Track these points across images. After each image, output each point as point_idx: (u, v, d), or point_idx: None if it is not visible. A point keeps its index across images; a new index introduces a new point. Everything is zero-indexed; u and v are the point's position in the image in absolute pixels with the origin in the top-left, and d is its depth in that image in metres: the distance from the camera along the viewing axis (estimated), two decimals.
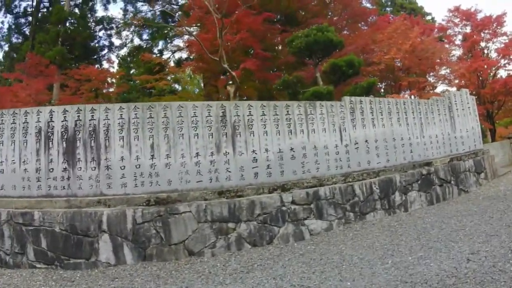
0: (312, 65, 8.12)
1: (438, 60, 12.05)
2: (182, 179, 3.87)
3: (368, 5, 13.66)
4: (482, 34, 12.98)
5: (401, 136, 5.62)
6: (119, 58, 15.75)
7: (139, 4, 14.49)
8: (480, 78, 13.01)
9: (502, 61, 13.00)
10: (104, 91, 11.26)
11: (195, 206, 3.70)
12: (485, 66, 12.30)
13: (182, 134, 3.97)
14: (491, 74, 13.36)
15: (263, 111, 4.51)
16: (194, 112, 4.13)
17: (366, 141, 5.18)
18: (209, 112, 4.24)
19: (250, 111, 4.46)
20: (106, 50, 15.00)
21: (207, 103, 4.41)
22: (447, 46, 13.11)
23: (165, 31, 13.65)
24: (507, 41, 12.61)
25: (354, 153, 5.03)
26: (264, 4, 10.28)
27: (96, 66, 13.73)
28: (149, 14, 14.72)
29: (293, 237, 4.11)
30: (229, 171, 4.11)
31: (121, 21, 14.68)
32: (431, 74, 13.11)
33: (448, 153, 6.39)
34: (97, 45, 14.65)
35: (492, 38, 13.00)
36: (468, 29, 13.42)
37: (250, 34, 9.61)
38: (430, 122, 6.18)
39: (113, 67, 15.29)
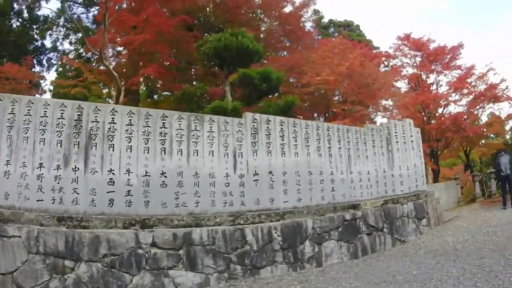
0: (224, 77, 9.03)
1: (381, 90, 14.33)
2: (21, 194, 3.99)
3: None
4: (433, 66, 15.84)
5: (321, 169, 6.25)
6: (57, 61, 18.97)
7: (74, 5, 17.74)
8: (427, 112, 15.70)
9: (454, 96, 16.01)
10: None
11: (25, 231, 3.82)
12: (433, 100, 14.90)
13: (27, 138, 4.13)
14: (440, 109, 16.21)
15: (130, 120, 4.63)
16: (45, 112, 4.24)
17: (271, 172, 5.60)
18: (62, 113, 4.30)
19: (113, 118, 4.56)
20: (40, 51, 18.23)
21: (62, 102, 4.47)
22: (392, 75, 15.88)
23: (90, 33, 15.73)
24: (461, 74, 15.49)
25: (251, 186, 5.35)
26: (186, 8, 11.61)
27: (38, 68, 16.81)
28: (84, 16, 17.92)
29: None
30: (77, 193, 4.18)
31: (55, 21, 17.56)
32: (371, 105, 15.20)
33: (383, 194, 7.25)
34: (32, 45, 17.51)
35: (443, 71, 15.93)
36: (418, 60, 16.39)
37: (160, 37, 10.63)
38: (361, 155, 7.03)
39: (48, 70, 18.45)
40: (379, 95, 14.18)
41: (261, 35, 14.03)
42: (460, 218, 9.59)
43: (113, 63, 13.06)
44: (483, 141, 18.38)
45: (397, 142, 7.86)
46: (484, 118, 18.62)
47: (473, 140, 16.40)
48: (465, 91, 15.25)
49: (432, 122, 15.50)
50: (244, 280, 4.86)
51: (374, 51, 19.74)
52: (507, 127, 21.33)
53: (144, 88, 16.54)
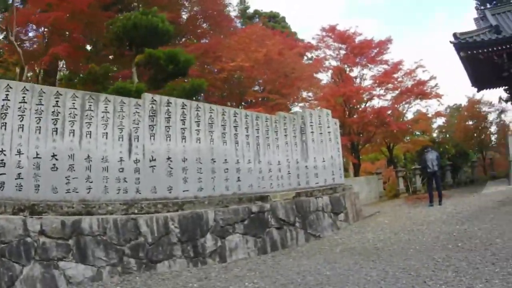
0: (132, 57, 10.85)
1: (301, 80, 17.59)
2: None
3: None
4: (358, 59, 19.99)
5: (225, 157, 7.90)
6: None
7: None
8: (348, 105, 19.60)
9: (378, 90, 20.20)
10: None
11: None
12: (356, 93, 18.58)
13: None
14: (363, 103, 20.47)
15: (23, 97, 5.66)
16: None
17: (169, 158, 7.02)
18: None
19: (7, 95, 5.55)
20: None
21: None
22: (314, 67, 19.68)
23: None
24: (388, 69, 19.67)
25: (148, 173, 6.65)
26: None
27: None
28: None
29: (42, 283, 4.97)
30: None
31: None
32: (289, 95, 18.46)
33: (295, 186, 9.29)
34: None
35: (368, 64, 20.23)
36: (342, 53, 20.55)
37: (75, 16, 12.99)
38: (271, 144, 8.97)
39: None
40: (298, 85, 17.10)
41: (183, 19, 16.57)
42: (382, 213, 12.12)
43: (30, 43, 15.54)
44: (408, 138, 23.06)
45: (312, 132, 10.12)
46: (411, 115, 23.84)
47: (397, 136, 20.69)
48: (390, 86, 19.29)
49: (355, 116, 19.24)
50: (139, 275, 5.85)
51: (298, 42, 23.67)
52: (435, 125, 27.62)
53: (65, 71, 18.29)
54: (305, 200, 9.23)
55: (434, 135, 27.35)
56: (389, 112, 19.48)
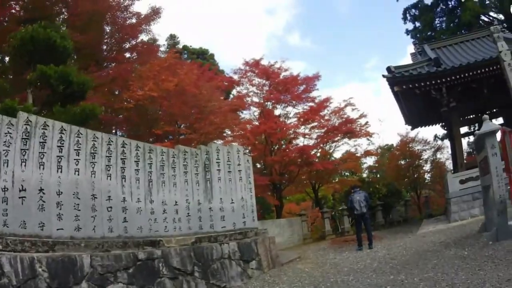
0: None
1: (216, 115, 18.71)
2: None
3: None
4: (283, 96, 21.86)
5: (109, 194, 8.17)
6: None
7: None
8: (270, 143, 21.21)
9: (303, 128, 22.16)
10: None
11: None
12: (278, 130, 20.24)
13: None
14: (288, 141, 22.16)
15: None
16: None
17: (42, 190, 7.18)
18: None
19: None
20: None
21: None
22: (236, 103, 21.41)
23: None
24: (314, 106, 21.50)
25: (17, 204, 6.69)
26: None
27: None
28: None
29: None
30: None
31: None
32: (202, 129, 19.24)
33: (196, 230, 9.77)
34: None
35: (292, 101, 22.14)
36: (266, 89, 22.39)
37: None
38: (167, 181, 9.44)
39: None
40: (211, 120, 18.16)
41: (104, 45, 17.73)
42: (303, 259, 12.73)
43: None
44: (336, 178, 25.23)
45: (218, 170, 10.83)
46: (340, 154, 25.95)
47: (323, 176, 22.74)
48: (316, 123, 21.05)
49: (276, 154, 20.71)
50: None
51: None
52: (366, 165, 30.14)
53: None
54: (207, 246, 9.70)
55: (365, 175, 29.90)
56: (313, 151, 21.17)
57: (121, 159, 8.78)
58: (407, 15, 38.40)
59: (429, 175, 28.16)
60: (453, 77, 17.02)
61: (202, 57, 35.88)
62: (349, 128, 21.80)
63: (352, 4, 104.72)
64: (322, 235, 20.11)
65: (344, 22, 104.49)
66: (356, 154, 24.72)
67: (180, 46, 36.74)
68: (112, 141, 8.72)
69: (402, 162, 26.71)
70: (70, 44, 11.73)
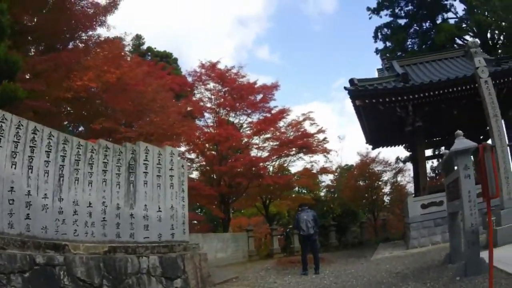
0: None
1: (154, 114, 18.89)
2: None
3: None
4: (237, 104, 22.81)
5: (13, 184, 7.79)
6: None
7: None
8: (221, 153, 22.40)
9: (255, 138, 23.44)
10: None
11: None
12: (229, 138, 21.01)
13: None
14: (240, 151, 22.63)
15: None
16: None
17: None
18: None
19: None
20: None
21: None
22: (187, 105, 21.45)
23: None
24: (269, 116, 22.24)
25: None
26: None
27: None
28: None
29: None
30: None
31: None
32: (141, 128, 19.72)
33: (112, 237, 9.38)
34: None
35: (247, 109, 23.24)
36: (221, 94, 23.30)
37: None
38: (81, 178, 9.06)
39: None
40: (151, 119, 18.30)
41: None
42: (241, 280, 12.55)
43: None
44: (292, 194, 26.14)
45: (145, 173, 10.55)
46: (295, 170, 26.66)
47: (275, 191, 24.04)
48: (269, 135, 21.74)
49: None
50: None
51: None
52: (324, 183, 31.15)
53: None
54: (122, 258, 9.21)
55: (322, 194, 31.49)
56: (265, 163, 21.97)
57: (30, 147, 8.36)
58: (379, 34, 40.58)
59: (388, 197, 29.79)
60: (421, 95, 17.50)
61: (166, 60, 37.86)
62: (305, 142, 22.62)
63: (325, 23, 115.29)
64: (270, 253, 21.12)
65: (315, 40, 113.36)
66: (312, 171, 25.76)
67: (145, 47, 39.64)
68: (22, 125, 8.25)
69: (361, 183, 28.04)
70: (6, 20, 11.81)
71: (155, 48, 41.21)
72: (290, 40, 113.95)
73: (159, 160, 11.22)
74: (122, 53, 19.45)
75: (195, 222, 26.82)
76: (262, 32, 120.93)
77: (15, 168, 8.16)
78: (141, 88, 18.35)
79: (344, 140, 71.10)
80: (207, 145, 23.44)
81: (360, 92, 17.40)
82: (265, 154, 23.52)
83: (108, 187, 9.84)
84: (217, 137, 20.64)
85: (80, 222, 9.18)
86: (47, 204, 8.56)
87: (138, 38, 40.74)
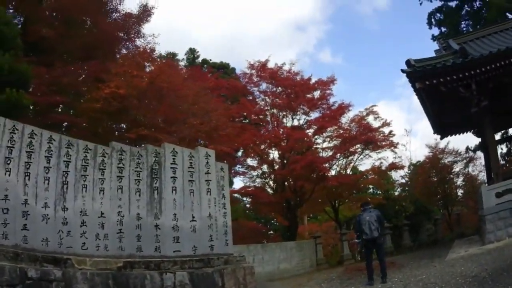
0: None
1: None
2: None
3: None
4: (293, 103, 21.77)
5: (7, 192, 7.31)
6: None
7: None
8: (282, 156, 21.52)
9: (317, 138, 22.31)
10: None
11: None
12: (285, 140, 20.25)
13: None
14: (300, 152, 21.39)
15: None
16: None
17: None
18: None
19: None
20: None
21: None
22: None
23: None
24: (328, 113, 21.12)
25: None
26: None
27: None
28: None
29: None
30: None
31: None
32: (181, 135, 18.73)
33: (131, 251, 8.59)
34: None
35: (303, 107, 22.12)
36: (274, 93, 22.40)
37: None
38: (90, 186, 8.43)
39: None
40: (192, 123, 17.70)
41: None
42: None
43: None
44: (363, 195, 24.59)
45: (174, 178, 9.70)
46: (364, 168, 25.48)
47: (341, 193, 22.80)
48: (330, 132, 20.92)
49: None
50: None
51: None
52: (397, 182, 29.26)
53: None
54: (139, 274, 8.33)
55: (396, 192, 29.84)
56: (327, 164, 21.07)
57: (27, 152, 7.86)
58: (432, 19, 39.28)
59: (461, 190, 27.96)
60: (483, 69, 16.05)
61: (223, 71, 37.95)
62: (369, 137, 21.50)
63: (381, 20, 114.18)
64: (339, 260, 20.27)
65: (373, 38, 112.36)
66: (381, 168, 24.62)
67: (200, 60, 40.25)
68: (17, 129, 7.83)
69: (433, 177, 26.41)
70: (15, 31, 12.02)
71: (210, 60, 41.22)
72: (350, 40, 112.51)
73: (191, 163, 10.32)
74: (151, 58, 19.45)
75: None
76: (323, 35, 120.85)
77: (9, 175, 7.70)
78: (180, 92, 18.18)
79: (412, 135, 68.87)
80: (268, 150, 22.90)
81: (418, 74, 16.13)
82: (329, 154, 22.63)
83: (125, 195, 9.10)
84: (274, 138, 20.01)
85: (90, 234, 8.46)
86: (47, 214, 7.97)
87: (192, 51, 42.52)
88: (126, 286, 8.14)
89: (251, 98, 23.85)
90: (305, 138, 21.60)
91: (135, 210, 9.16)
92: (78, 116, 17.26)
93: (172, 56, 21.99)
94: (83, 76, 17.66)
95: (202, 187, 10.38)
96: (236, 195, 25.09)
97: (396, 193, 29.48)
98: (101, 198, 8.81)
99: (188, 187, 10.09)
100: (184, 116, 17.83)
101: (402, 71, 15.92)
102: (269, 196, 20.65)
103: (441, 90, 16.32)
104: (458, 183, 27.44)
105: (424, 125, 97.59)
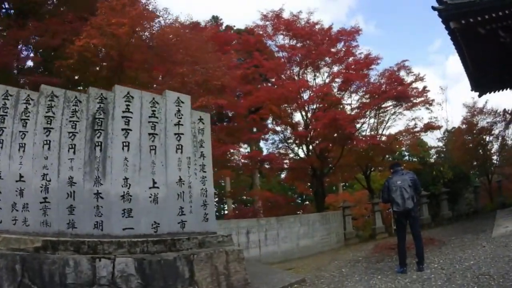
0: None
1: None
2: None
3: None
4: (315, 55, 20.21)
5: None
6: None
7: None
8: (306, 113, 20.12)
9: (340, 94, 21.00)
10: None
11: None
12: (302, 94, 18.98)
13: None
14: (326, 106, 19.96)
15: None
16: None
17: None
18: None
19: None
20: None
21: None
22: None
23: None
24: (353, 64, 19.84)
25: None
26: None
27: None
28: None
29: None
30: None
31: None
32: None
33: (60, 227, 7.00)
34: None
35: (325, 58, 20.69)
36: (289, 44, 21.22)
37: None
38: (8, 140, 7.07)
39: None
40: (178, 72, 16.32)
41: None
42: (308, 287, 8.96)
43: None
44: (391, 158, 23.17)
45: (127, 130, 8.04)
46: (397, 129, 24.49)
47: (372, 157, 21.63)
48: (355, 86, 19.85)
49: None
50: None
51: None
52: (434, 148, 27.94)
53: None
54: (59, 259, 6.62)
55: (432, 159, 28.56)
56: (354, 122, 19.78)
57: None
58: None
59: (499, 156, 26.71)
60: None
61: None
62: (400, 91, 19.76)
63: None
64: (372, 234, 18.92)
65: (404, 4, 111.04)
66: (415, 129, 22.99)
67: (224, 27, 38.78)
68: None
69: (470, 141, 25.38)
70: None
71: (234, 26, 40.14)
72: (381, 7, 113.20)
73: (153, 111, 8.48)
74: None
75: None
76: (353, 3, 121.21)
77: None
78: (173, 47, 16.92)
79: (448, 101, 65.63)
80: (288, 110, 21.63)
81: (451, 11, 14.27)
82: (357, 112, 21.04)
83: (53, 153, 7.44)
84: (286, 93, 18.59)
85: (5, 204, 6.96)
86: None
87: (215, 19, 41.54)
88: (39, 274, 6.47)
89: (266, 57, 22.32)
90: (330, 92, 20.43)
91: (67, 172, 7.43)
92: (55, 76, 16.36)
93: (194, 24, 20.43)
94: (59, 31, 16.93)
95: (169, 142, 8.52)
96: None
97: (432, 160, 27.95)
98: (20, 157, 7.27)
99: (149, 142, 8.28)
100: (177, 69, 16.65)
101: (433, 8, 14.26)
102: (292, 163, 19.64)
103: (480, 32, 14.58)
104: (497, 147, 26.47)
105: (461, 87, 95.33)
